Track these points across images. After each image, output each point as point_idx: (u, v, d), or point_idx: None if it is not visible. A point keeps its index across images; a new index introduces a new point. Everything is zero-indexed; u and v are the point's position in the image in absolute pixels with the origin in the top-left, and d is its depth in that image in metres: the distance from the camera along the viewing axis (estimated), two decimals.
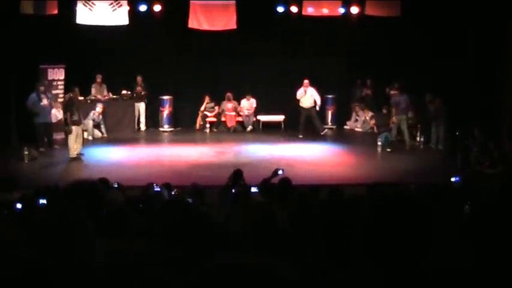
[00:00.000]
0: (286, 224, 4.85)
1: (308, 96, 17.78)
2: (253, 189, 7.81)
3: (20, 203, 6.34)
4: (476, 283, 2.69)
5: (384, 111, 16.94)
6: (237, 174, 9.00)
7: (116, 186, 8.58)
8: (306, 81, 17.69)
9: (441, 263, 2.55)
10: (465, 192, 7.27)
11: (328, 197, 6.88)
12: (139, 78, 18.77)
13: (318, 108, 18.17)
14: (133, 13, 17.46)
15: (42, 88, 15.40)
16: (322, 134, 17.98)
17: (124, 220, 4.58)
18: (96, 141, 17.29)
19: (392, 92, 16.62)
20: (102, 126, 18.03)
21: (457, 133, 14.96)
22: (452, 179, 8.45)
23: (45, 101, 15.13)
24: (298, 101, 17.89)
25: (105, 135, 18.02)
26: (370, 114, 18.59)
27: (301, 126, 17.95)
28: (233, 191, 7.97)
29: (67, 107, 14.77)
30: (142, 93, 18.80)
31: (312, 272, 3.33)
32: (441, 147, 15.81)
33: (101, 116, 17.88)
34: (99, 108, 17.79)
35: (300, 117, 17.96)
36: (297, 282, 1.95)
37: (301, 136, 17.70)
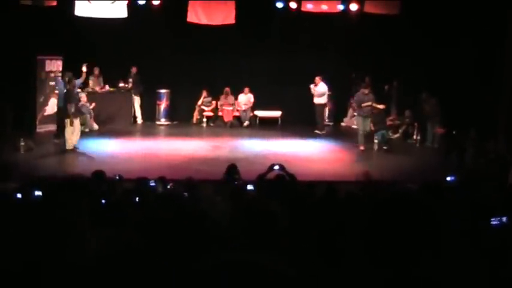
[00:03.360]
0: (283, 221, 4.84)
1: (316, 94, 17.86)
2: (249, 187, 7.78)
3: (19, 193, 6.32)
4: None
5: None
6: (231, 169, 8.97)
7: (117, 178, 8.60)
8: (316, 79, 17.79)
9: (439, 264, 2.55)
10: (460, 191, 7.29)
11: (325, 195, 6.87)
12: (133, 70, 18.73)
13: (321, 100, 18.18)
14: (132, 6, 17.42)
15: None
16: (316, 131, 17.96)
17: (121, 211, 4.59)
18: (92, 134, 17.21)
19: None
20: (89, 115, 17.64)
21: (454, 132, 14.97)
22: (448, 178, 8.47)
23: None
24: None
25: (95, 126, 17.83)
26: None
27: (318, 122, 18.13)
28: (229, 186, 7.97)
29: (67, 97, 14.79)
30: (130, 86, 18.75)
31: (307, 270, 3.33)
32: (436, 146, 15.86)
33: (88, 104, 17.57)
34: (83, 97, 17.41)
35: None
36: (295, 280, 1.94)
37: (317, 131, 17.90)
